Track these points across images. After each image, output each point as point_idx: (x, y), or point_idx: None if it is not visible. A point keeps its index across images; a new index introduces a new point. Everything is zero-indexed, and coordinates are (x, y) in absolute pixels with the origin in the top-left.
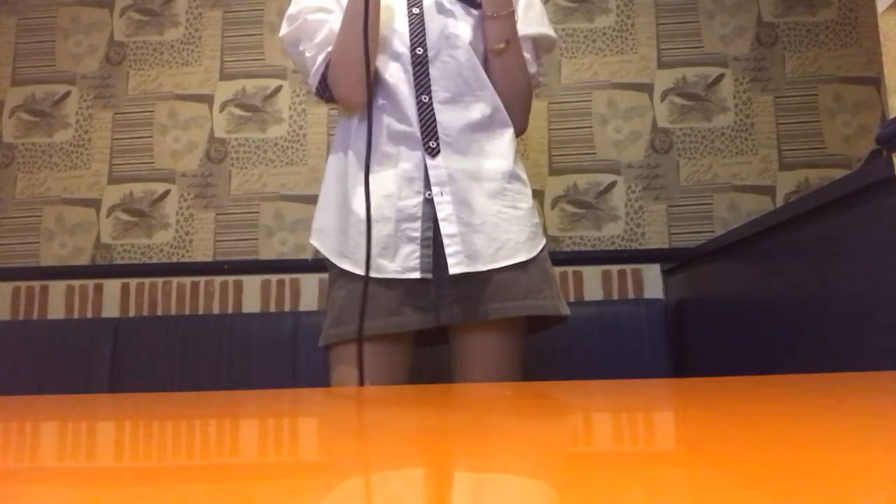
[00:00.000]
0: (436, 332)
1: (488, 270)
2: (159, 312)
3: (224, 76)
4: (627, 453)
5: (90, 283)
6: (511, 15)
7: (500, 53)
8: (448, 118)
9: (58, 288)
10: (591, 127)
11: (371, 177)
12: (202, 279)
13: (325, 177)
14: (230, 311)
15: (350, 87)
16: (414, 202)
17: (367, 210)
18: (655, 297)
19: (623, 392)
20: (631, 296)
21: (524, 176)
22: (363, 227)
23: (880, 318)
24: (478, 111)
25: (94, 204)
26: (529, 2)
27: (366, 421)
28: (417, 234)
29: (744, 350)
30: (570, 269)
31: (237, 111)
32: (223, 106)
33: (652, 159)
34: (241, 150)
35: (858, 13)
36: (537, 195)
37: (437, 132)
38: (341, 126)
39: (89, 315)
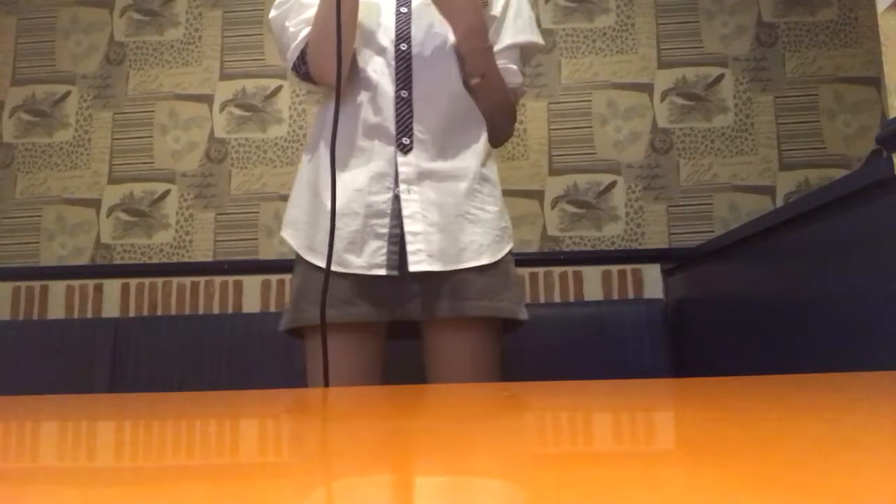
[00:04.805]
0: (408, 326)
1: (449, 270)
2: (159, 312)
3: (224, 76)
4: (627, 453)
5: (90, 283)
6: (488, 50)
7: (477, 86)
8: (425, 114)
9: (58, 288)
10: (591, 127)
11: (343, 170)
12: (202, 279)
13: (299, 171)
14: (230, 311)
15: (326, 66)
16: (383, 198)
17: (333, 199)
18: (655, 297)
19: (623, 392)
20: (631, 296)
21: (495, 178)
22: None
23: (880, 318)
24: (455, 110)
25: (94, 204)
26: (519, 9)
27: (364, 422)
28: (385, 231)
29: (744, 350)
30: (570, 269)
31: (237, 111)
32: (223, 106)
33: (652, 159)
34: (241, 150)
35: (858, 13)
36: (537, 195)
37: (411, 128)
38: (317, 119)
39: (89, 315)
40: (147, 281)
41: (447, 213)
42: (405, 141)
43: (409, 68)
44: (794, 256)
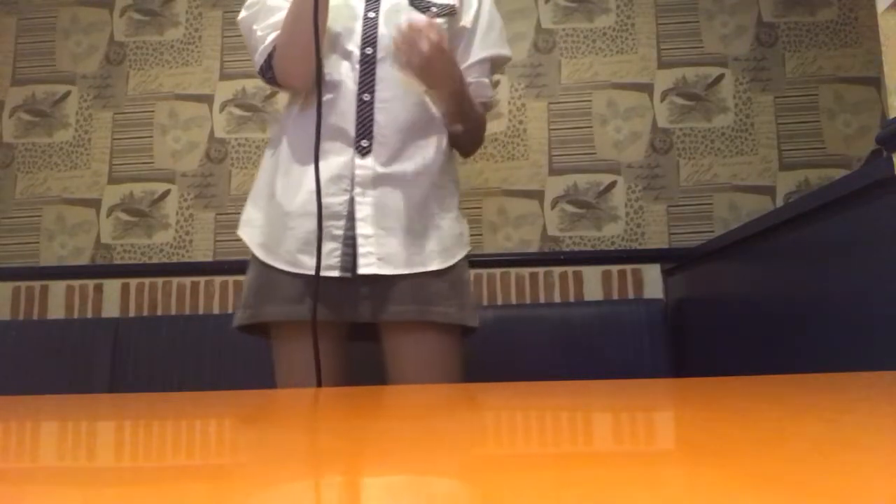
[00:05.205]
0: (372, 329)
1: (399, 275)
2: (159, 312)
3: (224, 76)
4: (627, 453)
5: (90, 283)
6: (470, 104)
7: (457, 129)
8: (386, 118)
9: (58, 288)
10: (591, 127)
11: (302, 171)
12: (202, 279)
13: (260, 169)
14: (230, 311)
15: (292, 72)
16: (340, 200)
17: (318, 199)
18: (655, 297)
19: (623, 392)
20: (631, 296)
21: (453, 185)
22: (287, 220)
23: (880, 318)
24: (416, 115)
25: (94, 204)
26: (491, 21)
27: (382, 423)
28: (340, 233)
29: (744, 350)
30: (570, 269)
31: (237, 111)
32: (223, 106)
33: (652, 159)
34: (241, 150)
35: (858, 13)
36: (537, 195)
37: (372, 131)
38: (282, 119)
39: (89, 315)
40: (147, 281)
41: (401, 218)
42: (364, 144)
43: (372, 72)
44: (794, 256)
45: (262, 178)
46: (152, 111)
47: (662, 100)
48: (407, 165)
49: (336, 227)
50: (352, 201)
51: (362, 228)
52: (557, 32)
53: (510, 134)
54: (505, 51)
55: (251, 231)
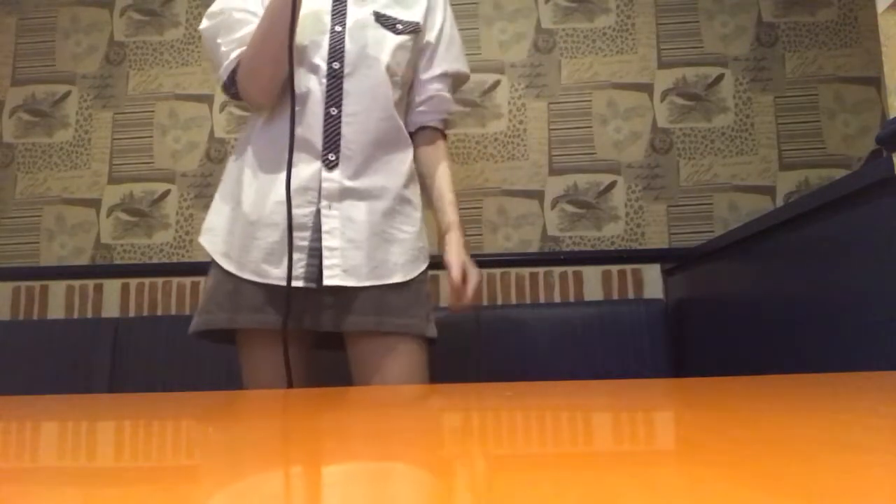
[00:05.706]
0: (335, 337)
1: (361, 286)
2: (159, 312)
3: None
4: (627, 453)
5: (90, 283)
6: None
7: None
8: (352, 132)
9: (58, 288)
10: (591, 127)
11: (268, 182)
12: (202, 279)
13: (223, 178)
14: None
15: (258, 87)
16: (305, 212)
17: (289, 212)
18: (655, 297)
19: (623, 392)
20: (631, 296)
21: (416, 200)
22: (253, 230)
23: (880, 318)
24: (382, 130)
25: (94, 204)
26: (452, 38)
27: (378, 424)
28: (306, 244)
29: (744, 350)
30: (570, 269)
31: (237, 111)
32: (223, 106)
33: (652, 159)
34: None
35: (858, 13)
36: (537, 195)
37: (339, 145)
38: (247, 128)
39: (89, 315)
40: (147, 281)
41: (365, 231)
42: (331, 157)
43: (339, 87)
44: (794, 256)
45: (226, 186)
46: (152, 111)
47: (662, 100)
48: (373, 180)
49: (302, 239)
50: (317, 213)
51: (328, 241)
52: (557, 32)
53: (510, 134)
54: (465, 68)
55: (213, 239)
